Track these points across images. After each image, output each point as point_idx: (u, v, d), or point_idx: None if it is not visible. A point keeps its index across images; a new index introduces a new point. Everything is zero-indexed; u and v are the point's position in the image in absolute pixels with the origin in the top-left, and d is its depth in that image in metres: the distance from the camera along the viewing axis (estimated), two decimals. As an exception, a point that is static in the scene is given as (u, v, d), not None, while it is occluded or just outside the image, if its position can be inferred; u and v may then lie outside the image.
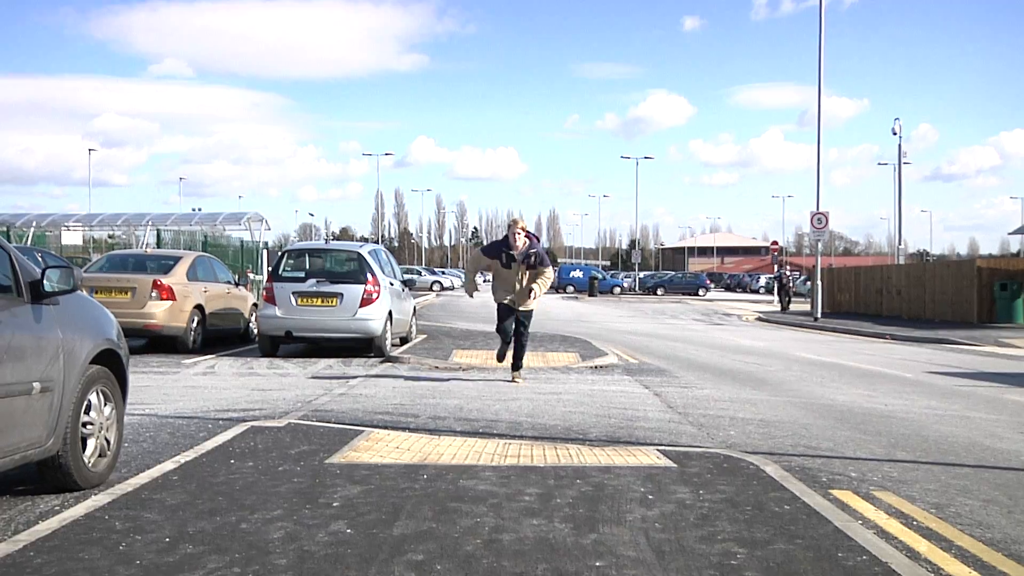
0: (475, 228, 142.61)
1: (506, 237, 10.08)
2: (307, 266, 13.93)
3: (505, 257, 9.94)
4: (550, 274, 10.24)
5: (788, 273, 38.07)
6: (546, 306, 34.00)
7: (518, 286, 9.98)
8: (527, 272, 9.96)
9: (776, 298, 38.79)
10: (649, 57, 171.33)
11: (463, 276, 9.78)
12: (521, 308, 10.08)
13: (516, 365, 10.46)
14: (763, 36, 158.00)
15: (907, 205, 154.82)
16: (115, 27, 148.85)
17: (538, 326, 15.92)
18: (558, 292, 55.73)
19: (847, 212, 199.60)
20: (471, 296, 11.67)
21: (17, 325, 4.17)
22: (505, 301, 10.05)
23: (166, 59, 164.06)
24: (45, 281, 4.33)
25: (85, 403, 4.69)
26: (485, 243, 13.26)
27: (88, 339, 4.73)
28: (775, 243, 54.38)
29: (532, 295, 9.97)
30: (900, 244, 35.21)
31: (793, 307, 35.71)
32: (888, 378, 12.32)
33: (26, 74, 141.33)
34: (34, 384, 4.17)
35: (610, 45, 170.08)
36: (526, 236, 9.98)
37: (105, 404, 4.94)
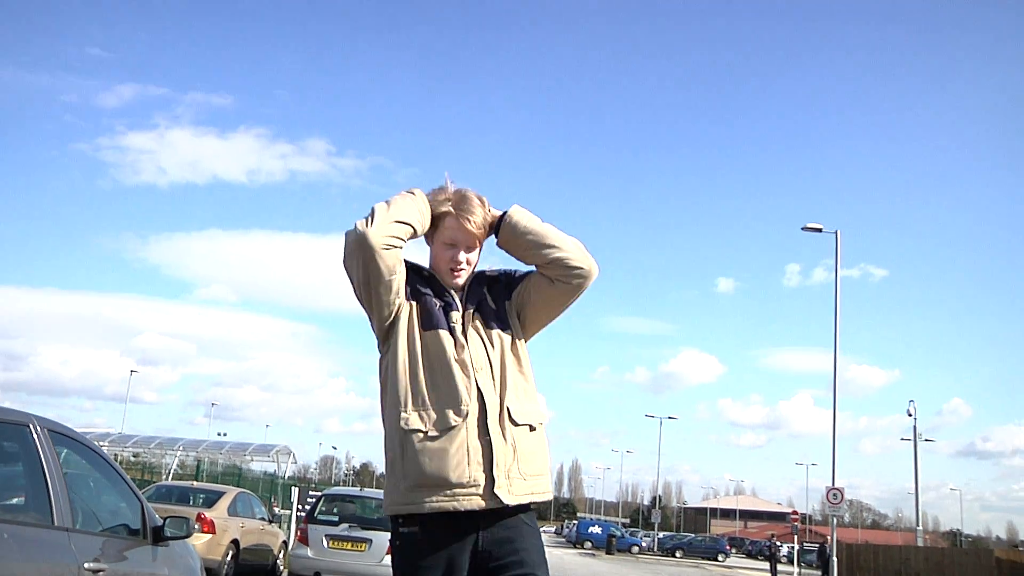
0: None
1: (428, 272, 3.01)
2: (341, 511, 14.84)
3: (430, 303, 2.91)
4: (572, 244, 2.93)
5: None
6: (560, 561, 33.87)
7: (483, 390, 2.79)
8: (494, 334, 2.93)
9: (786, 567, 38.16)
10: (682, 315, 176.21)
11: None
12: (512, 499, 2.71)
13: None
14: (796, 301, 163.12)
15: (939, 481, 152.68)
16: (171, 252, 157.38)
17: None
18: (575, 547, 54.97)
19: (877, 483, 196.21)
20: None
21: (139, 562, 5.26)
22: (435, 503, 2.67)
23: (214, 284, 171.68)
24: (166, 528, 5.46)
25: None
26: None
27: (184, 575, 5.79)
28: (795, 512, 54.16)
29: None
30: (918, 526, 35.23)
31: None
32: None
33: (81, 290, 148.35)
34: (144, 612, 5.20)
35: (644, 302, 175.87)
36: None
37: (186, 634, 5.90)
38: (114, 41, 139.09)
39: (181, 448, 38.20)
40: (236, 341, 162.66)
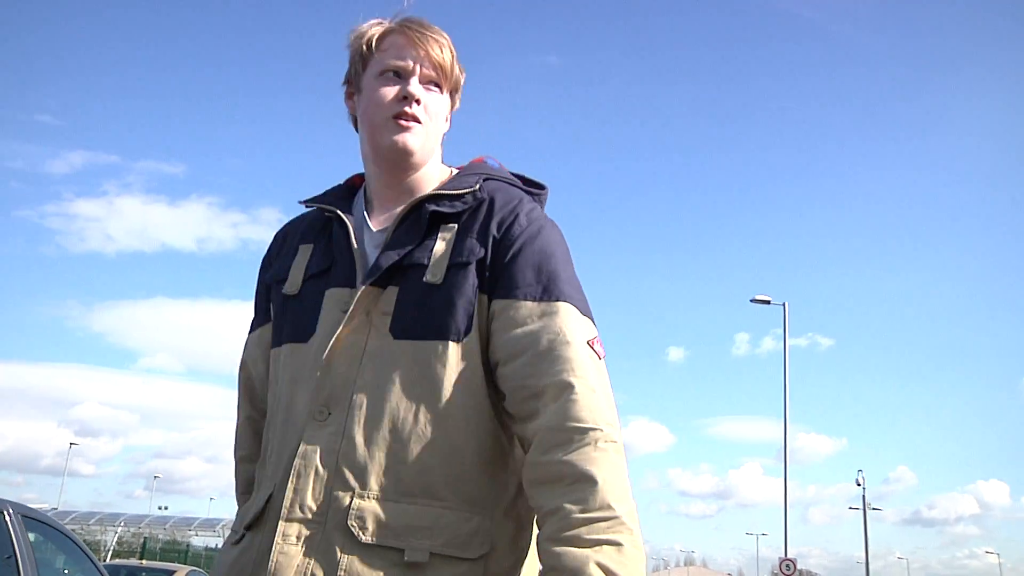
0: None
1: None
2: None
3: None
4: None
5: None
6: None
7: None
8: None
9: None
10: (633, 384, 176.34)
11: None
12: None
13: None
14: (745, 371, 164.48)
15: (886, 549, 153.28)
16: (116, 320, 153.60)
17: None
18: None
19: (826, 552, 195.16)
20: None
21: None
22: None
23: (159, 353, 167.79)
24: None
25: None
26: None
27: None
28: (748, 584, 54.02)
29: None
30: (870, 595, 35.36)
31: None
32: None
33: (20, 361, 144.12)
34: None
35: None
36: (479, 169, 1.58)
37: None
38: (66, 108, 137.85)
39: (123, 524, 36.92)
40: (180, 411, 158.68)
